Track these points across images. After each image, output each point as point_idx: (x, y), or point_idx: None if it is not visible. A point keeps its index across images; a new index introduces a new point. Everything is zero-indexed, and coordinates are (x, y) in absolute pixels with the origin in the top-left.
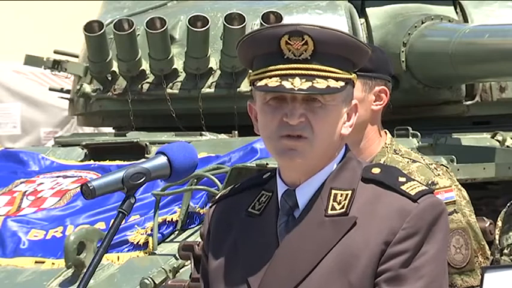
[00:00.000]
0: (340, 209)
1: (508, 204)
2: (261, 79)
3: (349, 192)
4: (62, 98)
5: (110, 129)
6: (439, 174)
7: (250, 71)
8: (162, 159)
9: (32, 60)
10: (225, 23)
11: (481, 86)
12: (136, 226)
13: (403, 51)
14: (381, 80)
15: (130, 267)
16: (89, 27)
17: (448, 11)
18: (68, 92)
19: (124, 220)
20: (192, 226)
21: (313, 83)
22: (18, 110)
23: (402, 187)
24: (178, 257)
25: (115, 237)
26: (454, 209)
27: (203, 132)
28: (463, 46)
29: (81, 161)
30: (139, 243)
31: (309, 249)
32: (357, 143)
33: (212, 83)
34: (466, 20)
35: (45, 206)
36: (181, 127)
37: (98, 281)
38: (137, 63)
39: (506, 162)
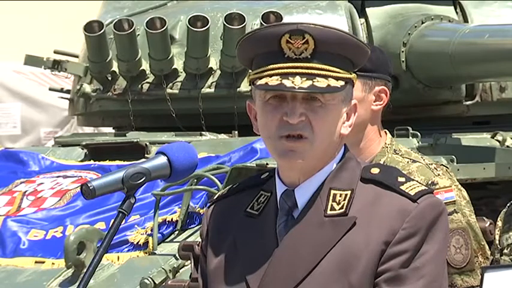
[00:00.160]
0: (339, 209)
1: (508, 204)
2: (261, 78)
3: (349, 192)
4: (62, 98)
5: (110, 129)
6: (439, 174)
7: (250, 70)
8: (162, 159)
9: (32, 60)
10: (225, 23)
11: (481, 86)
12: (136, 226)
13: (403, 51)
14: (381, 80)
15: (131, 267)
16: (89, 27)
17: (448, 11)
18: (68, 92)
19: (124, 220)
20: (192, 226)
21: (313, 81)
22: (18, 110)
23: (402, 187)
24: (178, 257)
25: (115, 237)
26: (454, 209)
27: (203, 132)
28: (463, 46)
29: (81, 161)
30: (139, 243)
31: (309, 249)
32: (357, 143)
33: (212, 83)
34: (466, 20)
35: (45, 206)
36: (181, 127)
37: (98, 281)
38: (137, 63)
39: (506, 162)
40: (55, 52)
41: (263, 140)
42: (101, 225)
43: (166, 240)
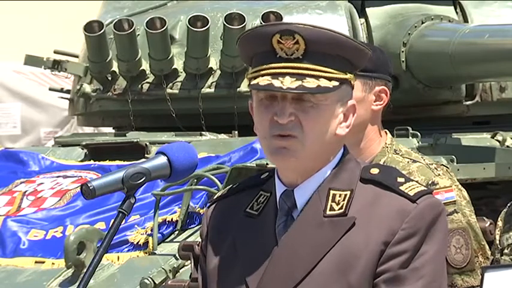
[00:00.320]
0: (338, 209)
1: (509, 204)
2: (255, 78)
3: (348, 192)
4: (62, 98)
5: (110, 129)
6: (439, 174)
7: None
8: (162, 159)
9: (32, 60)
10: (225, 23)
11: (481, 86)
12: (136, 226)
13: (403, 51)
14: (381, 80)
15: (131, 267)
16: (89, 27)
17: (448, 11)
18: (68, 92)
19: (124, 220)
20: (192, 226)
21: (303, 82)
22: (18, 110)
23: (401, 187)
24: (178, 257)
25: (115, 237)
26: (455, 209)
27: (203, 132)
28: (463, 46)
29: (81, 161)
30: (139, 243)
31: (308, 249)
32: (357, 143)
33: (212, 83)
34: (466, 20)
35: (45, 206)
36: (181, 127)
37: (98, 281)
38: (137, 63)
39: (506, 162)
40: (55, 52)
41: (259, 139)
42: (101, 225)
43: (166, 240)
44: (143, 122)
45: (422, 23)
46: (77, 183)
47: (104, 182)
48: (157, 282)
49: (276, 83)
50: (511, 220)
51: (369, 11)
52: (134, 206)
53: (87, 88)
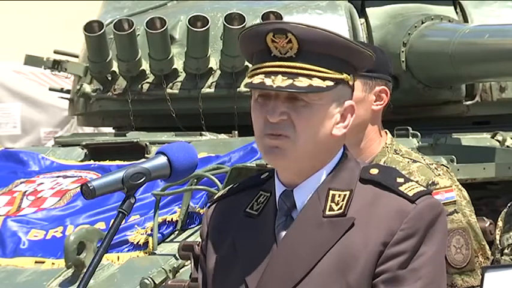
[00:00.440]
0: (338, 209)
1: (509, 204)
2: (251, 76)
3: (347, 193)
4: (62, 98)
5: (110, 129)
6: (439, 174)
7: None
8: (162, 159)
9: (32, 60)
10: (225, 23)
11: (481, 86)
12: (136, 226)
13: (403, 51)
14: (382, 80)
15: (131, 267)
16: (89, 27)
17: (448, 11)
18: (68, 92)
19: (124, 220)
20: (192, 226)
21: (294, 81)
22: (18, 110)
23: (400, 188)
24: (178, 257)
25: (115, 237)
26: (455, 209)
27: (203, 132)
28: (463, 46)
29: (81, 161)
30: (139, 243)
31: (307, 250)
32: (357, 143)
33: (212, 83)
34: (466, 20)
35: (45, 206)
36: (181, 127)
37: (98, 281)
38: (137, 63)
39: (506, 162)
40: (55, 52)
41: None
42: (101, 225)
43: (166, 240)
44: (143, 122)
45: (422, 23)
46: (77, 183)
47: (104, 182)
48: (157, 282)
49: (268, 81)
50: (511, 220)
51: (369, 11)
52: (134, 206)
53: (87, 88)
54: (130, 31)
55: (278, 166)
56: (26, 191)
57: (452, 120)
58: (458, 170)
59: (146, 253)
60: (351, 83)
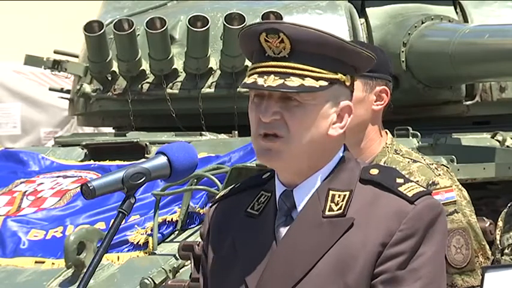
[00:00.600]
0: (337, 210)
1: (509, 205)
2: (248, 76)
3: (347, 193)
4: (62, 98)
5: (110, 129)
6: (439, 174)
7: None
8: (162, 159)
9: (32, 60)
10: (225, 23)
11: (481, 86)
12: (136, 226)
13: (403, 51)
14: (382, 80)
15: (131, 267)
16: (89, 27)
17: (448, 11)
18: (68, 92)
19: (124, 220)
20: (192, 226)
21: (285, 80)
22: (18, 110)
23: (400, 188)
24: (178, 257)
25: (115, 237)
26: (455, 209)
27: (203, 132)
28: (463, 46)
29: (81, 161)
30: (139, 243)
31: (306, 250)
32: (357, 143)
33: (212, 83)
34: (466, 20)
35: (45, 206)
36: (181, 127)
37: (98, 281)
38: (137, 63)
39: (506, 162)
40: (55, 52)
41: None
42: (101, 225)
43: (166, 240)
44: (143, 122)
45: (422, 23)
46: (77, 183)
47: (104, 182)
48: (157, 282)
49: (260, 81)
50: (511, 220)
51: (369, 11)
52: (134, 206)
53: (87, 88)
54: (130, 31)
55: (274, 167)
56: (26, 191)
57: (452, 120)
58: (458, 170)
59: (146, 253)
60: (347, 83)
